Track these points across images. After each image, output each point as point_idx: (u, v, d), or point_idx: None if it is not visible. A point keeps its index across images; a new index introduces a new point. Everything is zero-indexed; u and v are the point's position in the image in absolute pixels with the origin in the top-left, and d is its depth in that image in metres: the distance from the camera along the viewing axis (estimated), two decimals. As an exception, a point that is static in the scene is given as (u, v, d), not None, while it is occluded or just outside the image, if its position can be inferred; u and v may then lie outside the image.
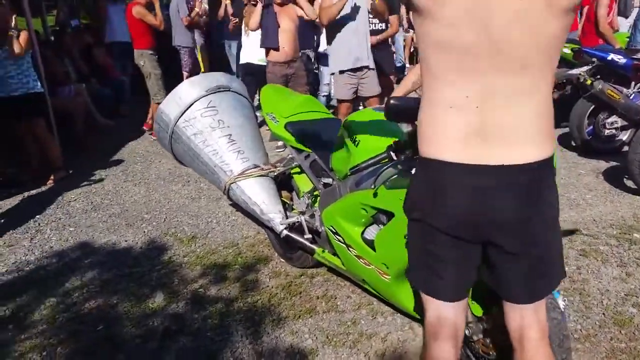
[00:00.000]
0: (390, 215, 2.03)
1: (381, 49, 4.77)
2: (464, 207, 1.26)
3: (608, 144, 4.61)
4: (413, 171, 1.88)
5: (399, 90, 2.04)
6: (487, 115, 1.21)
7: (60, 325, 2.54)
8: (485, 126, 1.21)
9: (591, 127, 4.55)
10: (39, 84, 4.49)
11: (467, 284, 1.42)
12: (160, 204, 4.03)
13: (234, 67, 6.95)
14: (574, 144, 4.74)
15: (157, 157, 5.18)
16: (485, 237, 1.30)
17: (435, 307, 1.41)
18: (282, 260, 3.05)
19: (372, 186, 2.00)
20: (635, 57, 4.14)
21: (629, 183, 3.88)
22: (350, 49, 4.24)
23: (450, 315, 1.40)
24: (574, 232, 3.18)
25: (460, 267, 1.37)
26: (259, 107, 3.27)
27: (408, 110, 1.73)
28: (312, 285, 2.80)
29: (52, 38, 8.00)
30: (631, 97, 4.04)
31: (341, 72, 4.36)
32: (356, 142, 2.19)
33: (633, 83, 4.10)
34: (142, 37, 5.63)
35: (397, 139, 2.00)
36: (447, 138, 1.25)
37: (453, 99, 1.23)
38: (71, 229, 3.67)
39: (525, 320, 1.37)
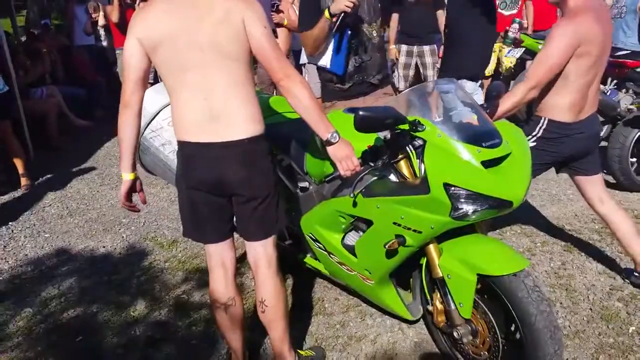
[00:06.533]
0: (369, 222, 1.98)
1: None
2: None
3: None
4: (391, 176, 1.85)
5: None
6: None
7: (37, 337, 2.43)
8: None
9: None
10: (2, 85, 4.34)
11: (226, 228, 1.92)
12: (139, 207, 3.92)
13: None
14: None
15: (134, 159, 5.04)
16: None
17: (206, 247, 1.96)
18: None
19: (351, 194, 1.93)
20: (612, 54, 4.20)
21: (608, 177, 3.92)
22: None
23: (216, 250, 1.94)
24: None
25: (216, 216, 1.87)
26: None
27: (377, 121, 1.71)
28: (299, 288, 2.75)
29: (23, 39, 7.77)
30: (608, 93, 4.10)
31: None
32: None
33: (609, 79, 4.16)
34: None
35: (372, 144, 1.96)
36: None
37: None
38: (46, 235, 3.54)
39: (257, 254, 1.92)
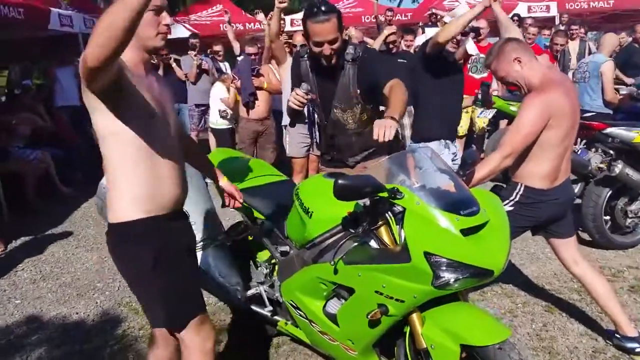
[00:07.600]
0: (351, 290, 1.92)
1: None
2: None
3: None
4: (371, 243, 1.83)
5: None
6: None
7: (0, 415, 2.29)
8: None
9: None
10: None
11: None
12: (114, 270, 3.81)
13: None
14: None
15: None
16: None
17: None
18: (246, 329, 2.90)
19: (331, 261, 1.88)
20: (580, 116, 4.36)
21: (584, 235, 3.99)
22: None
23: None
24: None
25: None
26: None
27: (356, 189, 1.71)
28: (278, 356, 2.66)
29: (3, 99, 7.77)
30: (578, 152, 4.23)
31: (292, 124, 4.38)
32: (309, 214, 2.08)
33: (579, 139, 4.31)
34: None
35: (351, 210, 1.95)
36: None
37: None
38: (17, 301, 3.41)
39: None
